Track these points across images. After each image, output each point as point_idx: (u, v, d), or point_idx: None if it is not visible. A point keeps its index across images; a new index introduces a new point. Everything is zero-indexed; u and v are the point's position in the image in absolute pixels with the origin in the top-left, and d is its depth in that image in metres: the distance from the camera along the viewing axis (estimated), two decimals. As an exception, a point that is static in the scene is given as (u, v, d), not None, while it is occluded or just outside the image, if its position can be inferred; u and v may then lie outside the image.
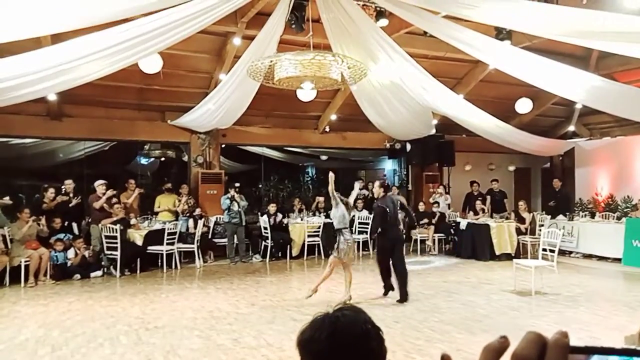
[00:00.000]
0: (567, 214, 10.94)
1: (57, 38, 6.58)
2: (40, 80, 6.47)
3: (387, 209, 6.45)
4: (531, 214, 11.35)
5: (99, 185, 8.78)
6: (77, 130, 9.91)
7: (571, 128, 12.96)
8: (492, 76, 9.94)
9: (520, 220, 10.74)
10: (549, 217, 10.93)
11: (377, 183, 7.06)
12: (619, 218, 10.53)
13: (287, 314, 5.92)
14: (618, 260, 9.36)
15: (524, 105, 10.15)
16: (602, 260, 9.74)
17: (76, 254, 8.20)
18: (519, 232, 10.37)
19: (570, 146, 12.70)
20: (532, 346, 0.42)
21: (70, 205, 8.92)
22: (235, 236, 9.73)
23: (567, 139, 12.93)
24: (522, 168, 14.62)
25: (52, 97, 8.47)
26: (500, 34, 7.37)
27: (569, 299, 6.61)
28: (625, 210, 11.03)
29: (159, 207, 9.89)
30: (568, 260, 9.75)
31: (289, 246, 9.99)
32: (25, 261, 7.61)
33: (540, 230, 9.12)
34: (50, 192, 8.75)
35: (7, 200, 8.69)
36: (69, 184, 9.14)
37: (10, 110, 8.04)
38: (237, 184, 9.74)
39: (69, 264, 8.12)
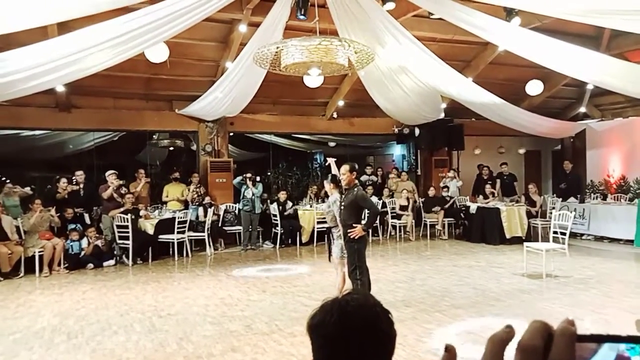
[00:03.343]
0: (578, 196, 10.85)
1: (63, 29, 6.58)
2: (48, 71, 6.50)
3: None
4: (542, 196, 11.28)
5: (110, 175, 8.86)
6: (86, 121, 9.96)
7: (582, 109, 12.77)
8: (501, 58, 9.80)
9: (531, 203, 10.68)
10: (560, 199, 10.85)
11: (344, 167, 5.35)
12: (631, 199, 10.43)
13: (298, 299, 5.96)
14: (630, 242, 9.30)
15: (534, 87, 10.01)
16: (614, 243, 9.68)
17: (89, 244, 8.30)
18: (529, 215, 10.31)
19: (581, 128, 12.54)
20: (538, 335, 0.42)
21: (82, 195, 9.04)
22: (251, 224, 9.76)
23: (578, 120, 12.76)
24: (532, 151, 14.48)
25: (60, 88, 8.49)
26: (510, 14, 7.25)
27: (581, 281, 6.58)
28: (637, 191, 10.91)
29: (167, 196, 9.98)
30: (579, 243, 9.69)
31: (298, 233, 10.03)
32: (39, 251, 7.72)
33: (551, 213, 9.06)
34: (63, 182, 8.87)
35: (27, 190, 8.82)
36: (79, 175, 9.25)
37: (19, 103, 8.09)
38: (249, 175, 9.68)
39: (82, 254, 8.22)
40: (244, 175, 9.73)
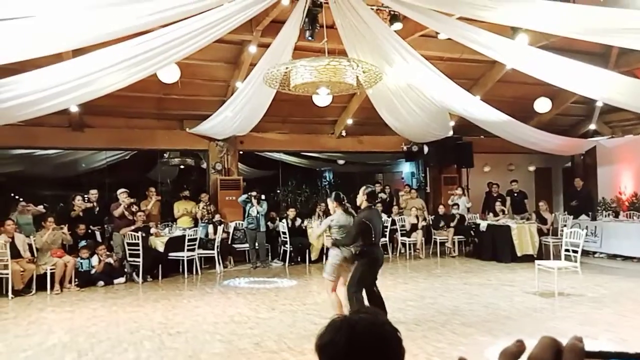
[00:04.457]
0: (590, 213, 10.75)
1: (77, 51, 6.73)
2: (62, 93, 6.63)
3: (371, 224, 5.30)
4: (553, 214, 11.19)
5: (121, 193, 8.97)
6: (99, 140, 10.12)
7: (592, 126, 12.73)
8: (509, 76, 9.85)
9: (542, 220, 10.59)
10: (572, 217, 10.75)
11: (362, 190, 5.54)
12: (644, 217, 10.31)
13: (308, 317, 5.94)
14: (644, 260, 9.17)
15: (543, 105, 10.02)
16: (627, 261, 9.55)
17: (99, 261, 8.36)
18: (540, 233, 10.22)
19: (591, 145, 12.48)
20: (548, 351, 0.43)
21: (96, 213, 9.22)
22: (256, 242, 9.79)
23: (588, 137, 12.71)
24: (542, 168, 14.41)
25: (73, 108, 8.66)
26: (515, 31, 7.30)
27: (594, 300, 6.49)
28: (650, 208, 10.79)
29: (178, 212, 10.06)
30: (592, 261, 9.57)
31: (307, 251, 10.02)
32: (51, 269, 7.79)
33: (562, 230, 8.97)
34: (78, 200, 9.01)
35: (41, 208, 8.96)
36: (93, 193, 9.41)
37: (33, 123, 8.24)
38: (254, 193, 9.75)
39: (92, 272, 8.28)
40: (249, 193, 9.78)
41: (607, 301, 6.40)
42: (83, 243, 8.55)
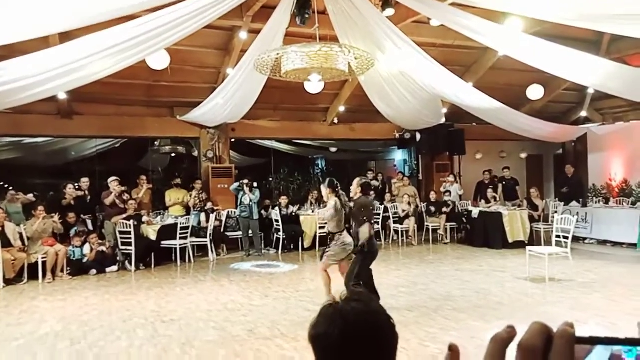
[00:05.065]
0: (581, 200, 10.84)
1: (65, 37, 6.63)
2: (50, 79, 6.54)
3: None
4: (544, 200, 11.27)
5: (112, 181, 8.90)
6: (88, 127, 10.00)
7: (583, 113, 12.77)
8: (501, 63, 9.83)
9: (533, 207, 10.68)
10: (562, 203, 10.84)
11: (355, 181, 5.64)
12: (633, 203, 10.42)
13: (301, 304, 5.96)
14: (633, 245, 9.29)
15: (535, 92, 10.04)
16: (616, 246, 9.67)
17: (91, 250, 8.32)
18: (532, 219, 10.30)
19: (582, 132, 12.55)
20: (538, 336, 0.43)
21: (88, 201, 9.18)
22: (249, 230, 9.79)
23: (579, 124, 12.77)
24: (534, 155, 14.48)
25: (62, 95, 8.54)
26: (508, 18, 7.27)
27: (584, 285, 6.57)
28: (639, 195, 10.90)
29: (170, 200, 10.01)
30: (582, 247, 9.68)
31: (300, 238, 10.03)
32: (43, 258, 7.74)
33: (553, 217, 9.05)
34: (70, 188, 8.94)
35: (30, 197, 8.89)
36: (85, 182, 9.33)
37: (21, 110, 8.13)
38: (246, 181, 9.71)
39: (85, 260, 8.24)
40: (241, 181, 9.74)
41: (596, 286, 6.48)
42: (75, 230, 8.51)
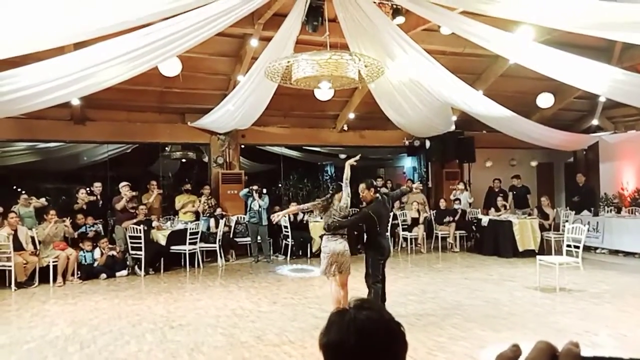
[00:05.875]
0: (592, 209, 10.73)
1: (79, 44, 6.71)
2: (64, 85, 6.63)
3: (376, 217, 5.43)
4: (555, 209, 11.18)
5: (123, 186, 8.99)
6: (100, 133, 10.12)
7: (595, 122, 12.68)
8: (512, 71, 9.81)
9: (544, 216, 10.59)
10: (573, 212, 10.74)
11: (360, 188, 5.61)
12: (645, 213, 10.30)
13: (309, 311, 5.96)
14: (645, 255, 9.17)
15: (545, 100, 9.97)
16: (628, 256, 9.55)
17: (102, 254, 8.39)
18: (542, 228, 10.22)
19: (593, 140, 12.44)
20: (544, 355, 0.43)
21: (100, 206, 9.31)
22: (258, 236, 9.81)
23: (590, 132, 12.67)
24: (544, 163, 14.37)
25: (75, 101, 8.66)
26: (519, 27, 7.26)
27: (595, 295, 6.49)
28: (652, 204, 10.78)
29: (179, 202, 10.09)
30: (593, 257, 9.58)
31: (309, 244, 10.04)
32: (54, 261, 7.82)
33: (564, 226, 8.97)
34: (82, 193, 9.05)
35: (42, 201, 9.00)
36: (97, 186, 9.44)
37: (35, 115, 8.25)
38: (255, 187, 9.76)
39: (95, 264, 8.31)
40: (251, 187, 9.79)
41: (608, 297, 6.40)
42: (83, 230, 8.61)
